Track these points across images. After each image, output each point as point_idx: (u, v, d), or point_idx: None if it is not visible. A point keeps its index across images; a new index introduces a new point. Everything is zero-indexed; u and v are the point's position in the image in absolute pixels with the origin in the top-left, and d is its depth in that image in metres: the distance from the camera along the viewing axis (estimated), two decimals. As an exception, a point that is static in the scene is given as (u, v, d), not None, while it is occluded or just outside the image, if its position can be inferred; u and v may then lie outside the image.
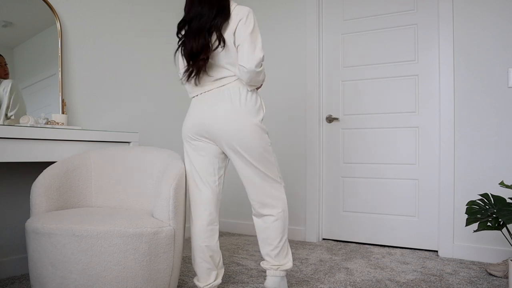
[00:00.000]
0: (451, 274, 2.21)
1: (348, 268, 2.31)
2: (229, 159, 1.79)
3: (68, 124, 2.31)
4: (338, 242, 3.00)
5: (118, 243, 1.46)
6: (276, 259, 1.74)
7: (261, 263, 1.80)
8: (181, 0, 1.98)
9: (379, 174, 2.89)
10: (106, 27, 2.63)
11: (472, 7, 2.54)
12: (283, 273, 1.76)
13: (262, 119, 1.69)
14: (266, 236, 1.74)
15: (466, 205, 2.09)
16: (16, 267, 2.17)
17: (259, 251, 1.91)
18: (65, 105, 2.32)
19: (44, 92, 2.28)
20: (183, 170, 1.73)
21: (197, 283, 1.74)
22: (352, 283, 2.05)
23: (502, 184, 1.98)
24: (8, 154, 1.75)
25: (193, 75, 1.67)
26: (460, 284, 2.04)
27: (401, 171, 2.82)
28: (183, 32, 1.70)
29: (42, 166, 2.20)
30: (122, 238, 1.46)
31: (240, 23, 1.62)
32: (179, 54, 1.75)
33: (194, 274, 2.13)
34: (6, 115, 2.10)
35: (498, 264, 2.20)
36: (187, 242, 2.89)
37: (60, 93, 2.32)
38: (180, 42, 1.71)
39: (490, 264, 2.35)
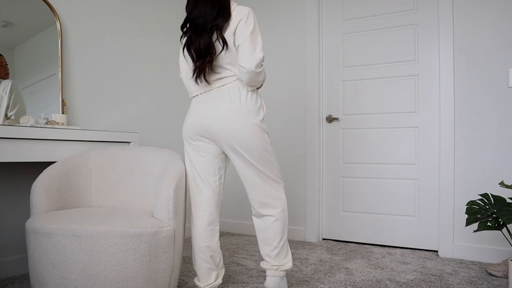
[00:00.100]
0: (451, 274, 2.21)
1: (348, 268, 2.31)
2: (229, 159, 1.79)
3: (68, 124, 2.31)
4: (338, 242, 3.00)
5: (118, 243, 1.46)
6: (276, 259, 1.74)
7: (261, 263, 1.80)
8: (181, 0, 1.98)
9: (379, 174, 2.89)
10: (106, 27, 2.63)
11: (472, 7, 2.54)
12: (283, 273, 1.76)
13: (262, 119, 1.69)
14: (266, 236, 1.74)
15: (466, 205, 2.09)
16: (16, 267, 2.17)
17: (259, 251, 1.91)
18: (65, 105, 2.32)
19: (44, 92, 2.28)
20: (183, 170, 1.73)
21: (197, 283, 1.74)
22: (352, 283, 2.05)
23: (502, 184, 1.98)
24: (8, 154, 1.75)
25: (199, 74, 1.65)
26: (460, 284, 2.04)
27: (401, 171, 2.82)
28: (187, 31, 1.69)
29: (42, 166, 2.21)
30: (122, 238, 1.46)
31: (240, 24, 1.61)
32: (180, 53, 1.74)
33: (194, 274, 2.13)
34: (6, 115, 2.10)
35: (498, 264, 2.20)
36: (187, 242, 2.89)
37: (60, 93, 2.32)
38: (185, 40, 1.69)
39: (490, 264, 2.35)
